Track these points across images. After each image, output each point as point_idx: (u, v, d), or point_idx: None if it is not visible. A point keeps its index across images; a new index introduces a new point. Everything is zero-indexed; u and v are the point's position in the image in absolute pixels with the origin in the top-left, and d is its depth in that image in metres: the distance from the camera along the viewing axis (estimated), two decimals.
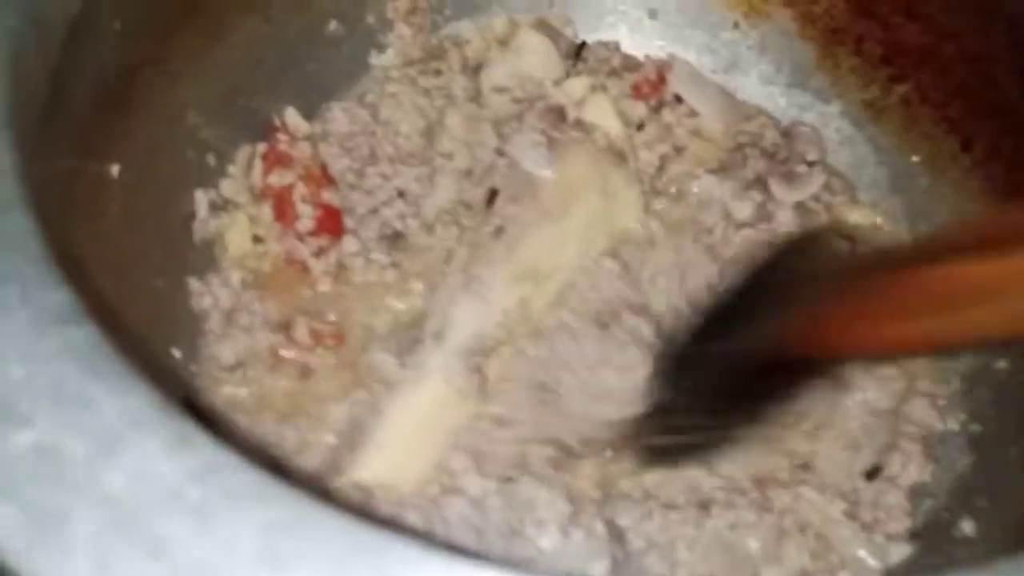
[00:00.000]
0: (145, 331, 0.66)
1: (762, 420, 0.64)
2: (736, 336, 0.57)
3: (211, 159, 0.75)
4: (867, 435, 0.71)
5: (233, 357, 0.71)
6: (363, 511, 0.63)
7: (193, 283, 0.73)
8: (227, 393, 0.70)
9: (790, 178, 0.79)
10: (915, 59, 0.79)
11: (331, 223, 0.76)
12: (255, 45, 0.77)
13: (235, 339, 0.71)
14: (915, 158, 0.80)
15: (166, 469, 0.36)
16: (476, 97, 0.82)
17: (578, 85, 0.82)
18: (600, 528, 0.64)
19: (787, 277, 0.58)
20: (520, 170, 0.76)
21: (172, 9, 0.68)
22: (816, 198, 0.80)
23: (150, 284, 0.69)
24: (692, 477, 0.68)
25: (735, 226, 0.78)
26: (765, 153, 0.81)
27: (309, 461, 0.68)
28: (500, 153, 0.78)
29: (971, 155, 0.76)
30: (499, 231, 0.74)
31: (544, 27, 0.85)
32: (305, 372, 0.71)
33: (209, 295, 0.73)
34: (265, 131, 0.78)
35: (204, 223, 0.74)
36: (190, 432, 0.37)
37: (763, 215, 0.78)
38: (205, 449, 0.37)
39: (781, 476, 0.69)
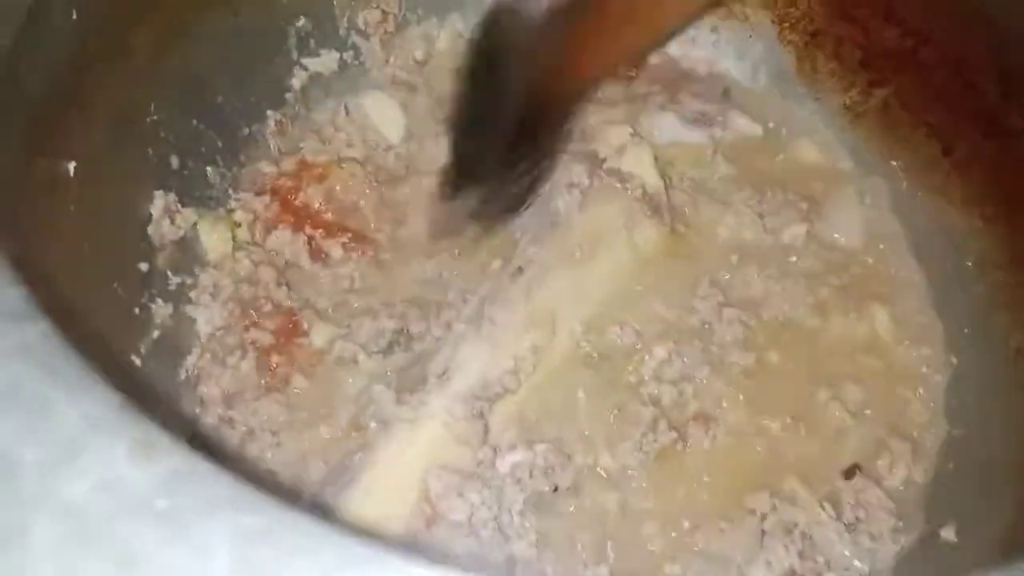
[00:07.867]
0: (105, 334, 0.63)
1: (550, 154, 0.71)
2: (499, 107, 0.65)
3: (174, 160, 0.72)
4: (848, 434, 0.69)
5: (219, 392, 0.68)
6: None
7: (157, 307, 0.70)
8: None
9: None
10: (894, 63, 0.78)
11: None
12: (220, 40, 0.74)
13: (218, 377, 0.69)
14: (895, 162, 0.80)
15: (131, 477, 0.33)
16: None
17: (618, 134, 0.78)
18: None
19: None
20: (547, 209, 0.73)
21: (129, 3, 0.65)
22: None
23: (109, 287, 0.66)
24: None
25: None
26: None
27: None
28: None
29: (951, 159, 0.75)
30: (518, 272, 0.70)
31: None
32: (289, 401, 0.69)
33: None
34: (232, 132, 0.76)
35: (158, 226, 0.71)
36: (155, 437, 0.34)
37: None
38: (173, 455, 0.34)
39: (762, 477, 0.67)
